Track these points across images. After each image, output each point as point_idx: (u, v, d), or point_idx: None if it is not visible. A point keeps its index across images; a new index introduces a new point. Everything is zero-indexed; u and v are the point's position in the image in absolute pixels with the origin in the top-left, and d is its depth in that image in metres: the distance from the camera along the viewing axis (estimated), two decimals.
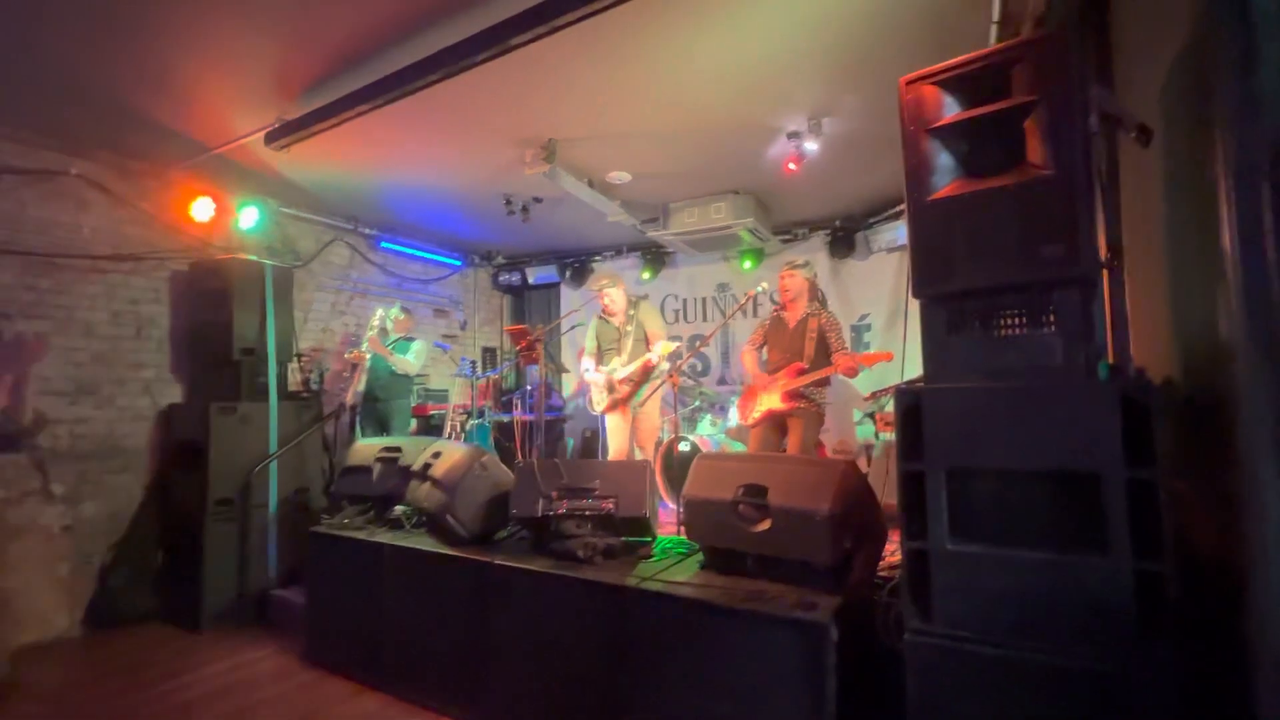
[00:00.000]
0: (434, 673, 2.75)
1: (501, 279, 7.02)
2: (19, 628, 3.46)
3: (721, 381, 6.10)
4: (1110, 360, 2.35)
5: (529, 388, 5.49)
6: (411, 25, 2.72)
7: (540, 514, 2.62)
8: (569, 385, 6.60)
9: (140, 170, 4.08)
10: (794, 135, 3.76)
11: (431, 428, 5.30)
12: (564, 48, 2.72)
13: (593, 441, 6.17)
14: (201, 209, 4.10)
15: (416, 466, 3.16)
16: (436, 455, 3.08)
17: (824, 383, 3.41)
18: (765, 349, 3.65)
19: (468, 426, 5.27)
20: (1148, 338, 2.14)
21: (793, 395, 3.33)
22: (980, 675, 1.60)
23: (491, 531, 2.94)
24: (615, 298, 4.01)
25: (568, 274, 6.65)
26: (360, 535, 3.16)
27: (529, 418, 5.52)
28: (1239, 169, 1.31)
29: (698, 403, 5.23)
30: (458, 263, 6.65)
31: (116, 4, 2.53)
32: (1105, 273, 2.36)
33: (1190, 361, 1.74)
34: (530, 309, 7.29)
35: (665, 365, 3.85)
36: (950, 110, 1.85)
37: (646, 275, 6.29)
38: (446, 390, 6.10)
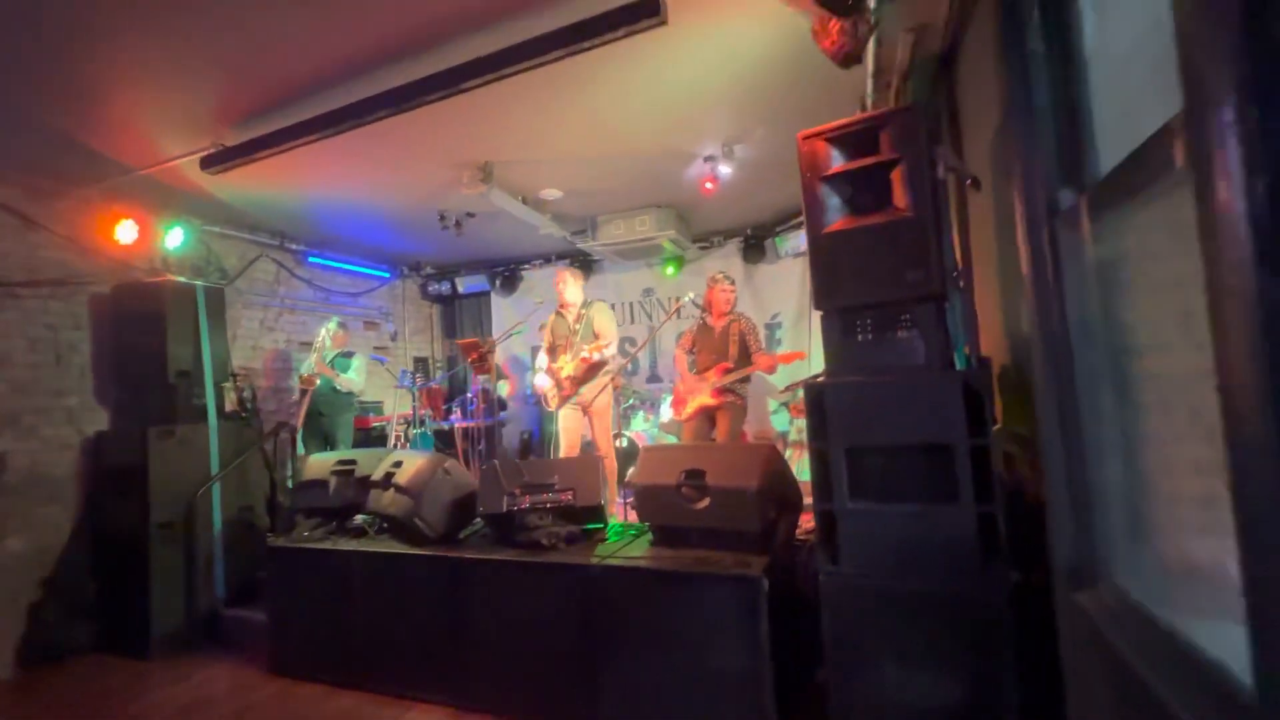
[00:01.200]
0: (411, 665, 2.97)
1: (431, 289, 7.11)
2: None
3: (652, 379, 6.53)
4: (964, 350, 2.97)
5: (469, 395, 5.68)
6: (361, 66, 2.91)
7: (505, 509, 2.91)
8: (504, 390, 6.81)
9: (54, 192, 3.95)
10: (710, 159, 4.22)
11: (373, 439, 5.38)
12: (506, 87, 2.99)
13: (529, 442, 6.44)
14: (125, 231, 4.02)
15: (377, 476, 3.34)
16: (398, 464, 3.28)
17: (746, 379, 3.90)
18: (694, 351, 4.10)
19: (410, 435, 5.39)
20: (994, 335, 2.73)
21: (720, 391, 3.80)
22: (874, 602, 2.08)
23: (456, 530, 3.18)
24: (572, 293, 4.28)
25: (498, 283, 6.85)
26: (324, 545, 3.31)
27: (468, 424, 5.71)
28: (1028, 218, 1.85)
29: (632, 400, 5.62)
30: (386, 274, 6.69)
31: (40, 20, 2.52)
32: (960, 285, 2.96)
33: (1015, 352, 2.31)
34: (461, 318, 7.42)
35: (610, 363, 4.18)
36: (837, 161, 2.33)
37: None
38: (381, 402, 6.16)
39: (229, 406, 4.38)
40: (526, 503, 2.93)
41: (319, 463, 3.76)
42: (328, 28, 2.64)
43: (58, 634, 3.77)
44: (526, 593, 2.74)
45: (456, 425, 5.73)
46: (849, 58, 2.41)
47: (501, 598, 2.79)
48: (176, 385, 4.01)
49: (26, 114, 3.18)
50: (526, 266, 6.90)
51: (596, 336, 4.28)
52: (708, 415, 3.91)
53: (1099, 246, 1.62)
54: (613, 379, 3.78)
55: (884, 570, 2.08)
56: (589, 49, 2.59)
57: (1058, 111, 1.77)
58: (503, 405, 6.57)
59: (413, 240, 5.94)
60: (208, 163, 3.55)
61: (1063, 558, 1.77)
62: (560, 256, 6.74)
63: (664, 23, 2.44)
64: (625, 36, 2.51)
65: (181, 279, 4.22)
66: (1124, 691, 1.40)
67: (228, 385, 4.35)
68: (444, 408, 5.96)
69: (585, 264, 6.63)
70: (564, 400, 4.29)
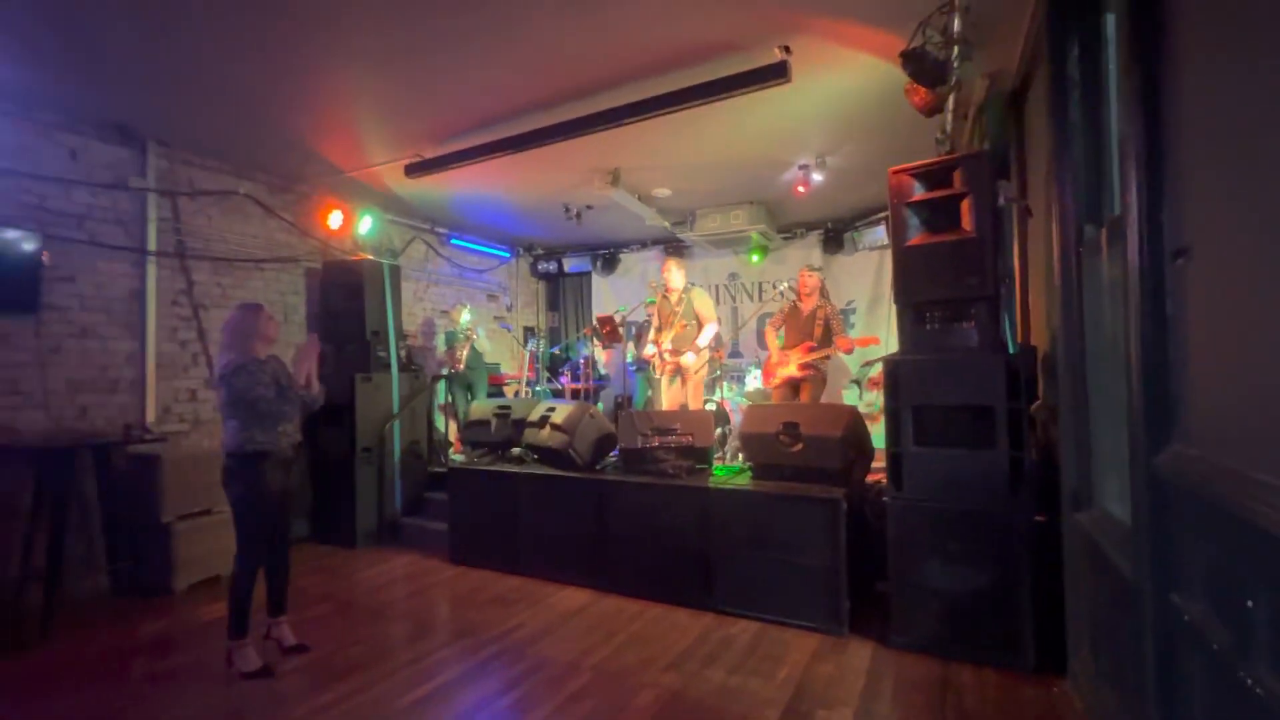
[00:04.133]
0: (564, 557, 3.97)
1: (540, 267, 8.10)
2: None
3: (733, 354, 7.32)
4: (1018, 339, 3.65)
5: (579, 360, 6.66)
6: (543, 103, 3.80)
7: (640, 446, 3.84)
8: (602, 359, 7.78)
9: (284, 187, 5.09)
10: (804, 167, 4.94)
11: (504, 392, 6.47)
12: (645, 120, 3.80)
13: (623, 405, 7.38)
14: (334, 219, 5.13)
15: (533, 418, 4.33)
16: (551, 409, 4.25)
17: (827, 358, 4.67)
18: (783, 330, 4.90)
19: (530, 394, 6.45)
20: (1040, 329, 3.40)
21: (805, 366, 4.59)
22: (927, 518, 2.87)
23: (596, 461, 4.14)
24: (675, 279, 5.10)
25: (599, 264, 7.77)
26: (495, 468, 4.35)
27: (576, 385, 6.71)
28: (1062, 243, 2.55)
29: (718, 373, 6.45)
30: (506, 254, 7.73)
31: (291, 45, 3.12)
32: (1012, 289, 3.63)
33: (1054, 343, 3.00)
34: (564, 294, 8.41)
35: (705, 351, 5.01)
36: (918, 191, 3.06)
37: None
38: (498, 364, 7.24)
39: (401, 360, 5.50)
40: (656, 442, 3.84)
41: (482, 407, 4.81)
42: (523, 79, 3.52)
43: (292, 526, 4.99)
44: (657, 508, 3.66)
45: (566, 386, 6.74)
46: (933, 110, 3.11)
47: (637, 511, 3.73)
48: (370, 342, 5.13)
49: (274, 125, 4.14)
50: (625, 250, 7.77)
51: (697, 316, 5.08)
52: (792, 385, 4.72)
53: (1111, 268, 2.32)
54: (716, 352, 4.62)
55: (935, 495, 2.86)
56: (725, 99, 3.39)
57: (1088, 167, 2.47)
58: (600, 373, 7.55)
59: (534, 226, 6.92)
60: (411, 170, 4.57)
61: (1068, 488, 2.53)
62: (655, 242, 7.57)
63: (789, 82, 3.20)
64: (756, 91, 3.29)
65: (372, 257, 5.32)
66: (1096, 567, 2.18)
67: (403, 343, 5.46)
68: (542, 371, 6.99)
69: (677, 249, 7.45)
70: (666, 369, 5.17)
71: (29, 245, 3.57)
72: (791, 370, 4.68)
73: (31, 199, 3.71)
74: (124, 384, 4.11)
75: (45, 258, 3.65)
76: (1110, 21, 2.28)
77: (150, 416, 4.21)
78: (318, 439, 5.14)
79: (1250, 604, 1.12)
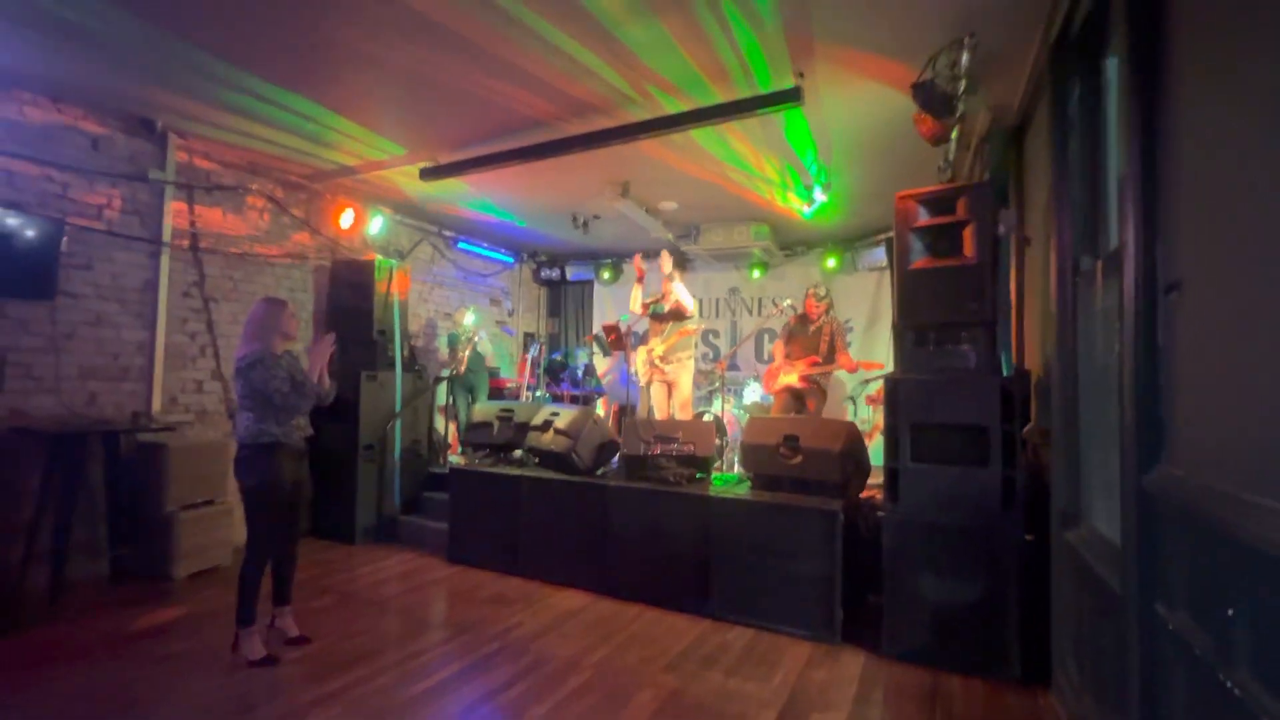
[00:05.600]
0: (563, 560, 4.03)
1: (543, 274, 8.19)
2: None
3: (731, 367, 7.42)
4: (1013, 364, 3.77)
5: (579, 368, 6.74)
6: (563, 115, 3.90)
7: (642, 453, 3.92)
8: (601, 366, 7.86)
9: (297, 185, 5.17)
10: (809, 188, 5.07)
11: (504, 396, 6.53)
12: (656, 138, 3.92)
13: (623, 414, 7.46)
14: (346, 218, 5.21)
15: (536, 421, 4.40)
16: (555, 414, 4.33)
17: (827, 373, 4.79)
18: (789, 344, 5.04)
19: (531, 398, 6.52)
20: (1035, 354, 3.53)
21: (807, 379, 4.71)
22: (921, 532, 2.97)
23: (598, 466, 4.21)
24: (667, 265, 5.18)
25: (603, 274, 7.86)
26: (497, 470, 4.41)
27: (575, 392, 6.79)
28: (1059, 273, 2.67)
29: (717, 385, 6.55)
30: (510, 260, 7.82)
31: (325, 42, 3.29)
32: (1009, 314, 3.76)
33: (1048, 368, 3.12)
34: (566, 301, 8.50)
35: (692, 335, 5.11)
36: (923, 216, 3.18)
37: None
38: (498, 369, 7.30)
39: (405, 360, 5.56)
40: (658, 449, 3.92)
41: (485, 409, 4.87)
42: (540, 96, 3.62)
43: None
44: (657, 514, 3.74)
45: (565, 392, 6.81)
46: (939, 140, 3.25)
47: (637, 516, 3.80)
48: (378, 340, 5.19)
49: (292, 126, 4.17)
50: (628, 260, 7.87)
51: (680, 309, 5.13)
52: (794, 395, 4.84)
53: (1106, 299, 2.44)
54: (717, 364, 4.72)
55: (930, 510, 2.96)
56: (740, 119, 3.51)
57: (1085, 202, 2.59)
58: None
59: (540, 233, 7.02)
60: (425, 174, 4.66)
61: (1058, 508, 2.63)
62: (658, 253, 7.65)
63: (801, 105, 3.33)
64: (770, 113, 3.41)
65: (379, 258, 5.39)
66: (1082, 581, 2.28)
67: (407, 343, 5.52)
68: (541, 377, 7.05)
69: (679, 261, 7.53)
70: (653, 376, 5.24)
71: (48, 233, 3.62)
72: (793, 380, 4.80)
73: (55, 187, 3.76)
74: (133, 372, 4.14)
75: (65, 244, 3.70)
76: (1112, 66, 2.42)
77: (156, 406, 4.24)
78: (321, 434, 5.16)
79: (1231, 612, 1.22)
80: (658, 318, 5.28)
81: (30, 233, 3.55)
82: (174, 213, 4.36)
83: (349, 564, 4.46)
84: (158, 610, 3.46)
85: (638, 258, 5.49)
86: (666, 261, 5.28)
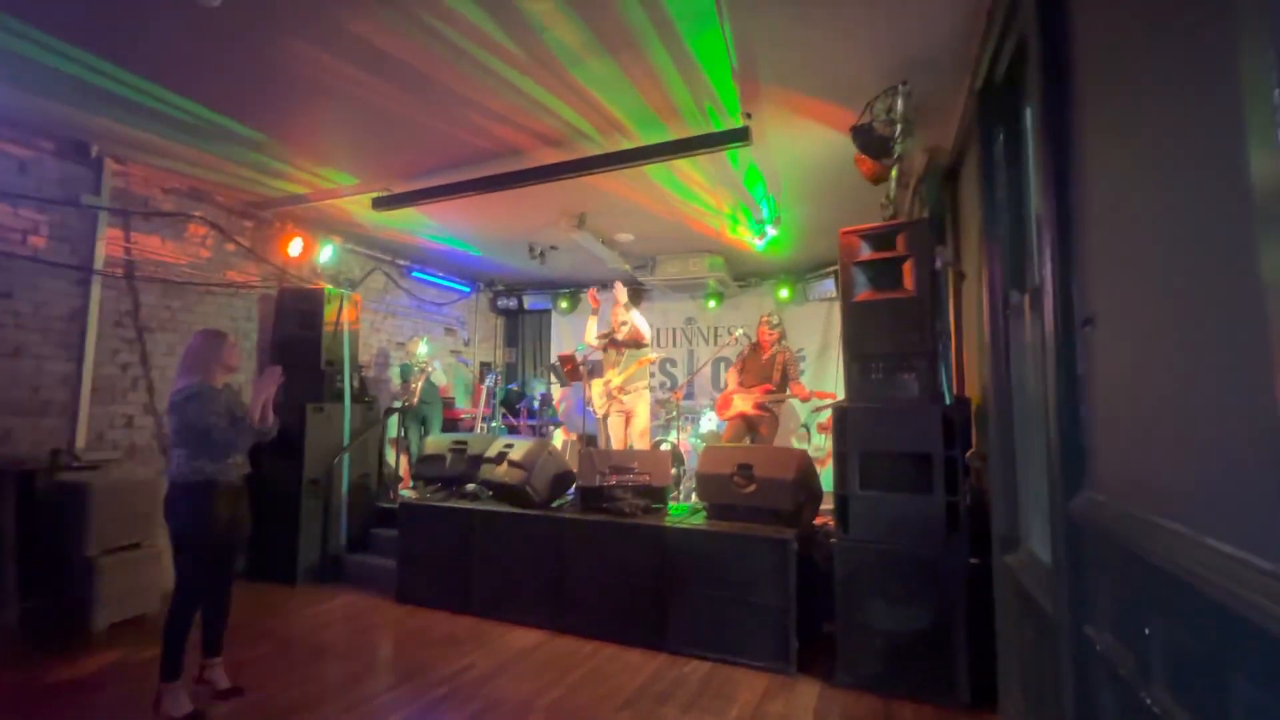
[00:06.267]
0: (518, 597, 3.92)
1: (500, 303, 8.14)
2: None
3: (687, 396, 7.48)
4: (953, 391, 3.92)
5: (534, 398, 6.67)
6: (518, 148, 3.94)
7: (598, 484, 3.88)
8: (557, 396, 7.80)
9: (243, 212, 5.03)
10: (760, 222, 5.23)
11: (460, 428, 6.39)
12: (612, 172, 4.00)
13: (584, 444, 7.39)
14: (295, 246, 5.08)
15: (490, 454, 4.32)
16: (509, 445, 4.26)
17: (780, 401, 4.88)
18: (743, 372, 5.11)
19: (487, 429, 6.40)
20: (973, 382, 3.67)
21: (760, 406, 4.78)
22: (871, 558, 3.02)
23: (553, 498, 4.15)
24: (623, 295, 5.18)
25: (561, 304, 7.87)
26: (448, 504, 4.29)
27: (532, 423, 6.71)
28: (990, 306, 2.81)
29: (674, 414, 6.58)
30: (466, 289, 7.75)
31: (280, 70, 3.39)
32: (948, 345, 3.92)
33: (985, 396, 3.25)
34: (524, 331, 8.44)
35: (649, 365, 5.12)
36: (865, 251, 3.31)
37: None
38: (452, 399, 7.17)
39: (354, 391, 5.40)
40: (614, 480, 3.89)
41: (437, 441, 4.76)
42: (495, 128, 3.66)
43: None
44: (612, 546, 3.69)
45: (522, 424, 6.72)
46: (879, 179, 3.41)
47: (593, 549, 3.75)
48: (325, 371, 5.03)
49: (237, 154, 4.08)
50: (584, 291, 7.90)
51: (637, 337, 5.15)
52: (747, 422, 4.90)
53: (1033, 331, 2.56)
54: (674, 393, 4.75)
55: (879, 537, 3.02)
56: (691, 156, 3.61)
57: (1012, 239, 2.75)
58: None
59: (497, 263, 6.99)
60: (379, 204, 4.61)
61: (998, 532, 2.72)
62: (612, 284, 7.73)
63: (750, 144, 3.45)
64: (719, 151, 3.52)
65: (329, 287, 5.27)
66: (1023, 605, 2.35)
67: (356, 374, 5.38)
68: (497, 408, 6.95)
69: (635, 292, 7.63)
70: (610, 407, 5.23)
71: None
72: (747, 408, 4.86)
73: None
74: (55, 407, 3.90)
75: None
76: (1030, 113, 2.60)
77: (81, 442, 3.99)
78: (262, 469, 4.95)
79: (1148, 631, 1.27)
80: (615, 345, 5.29)
81: None
82: (108, 239, 4.18)
83: (289, 606, 4.23)
84: (73, 663, 3.20)
85: (592, 291, 5.52)
86: (622, 292, 5.32)
